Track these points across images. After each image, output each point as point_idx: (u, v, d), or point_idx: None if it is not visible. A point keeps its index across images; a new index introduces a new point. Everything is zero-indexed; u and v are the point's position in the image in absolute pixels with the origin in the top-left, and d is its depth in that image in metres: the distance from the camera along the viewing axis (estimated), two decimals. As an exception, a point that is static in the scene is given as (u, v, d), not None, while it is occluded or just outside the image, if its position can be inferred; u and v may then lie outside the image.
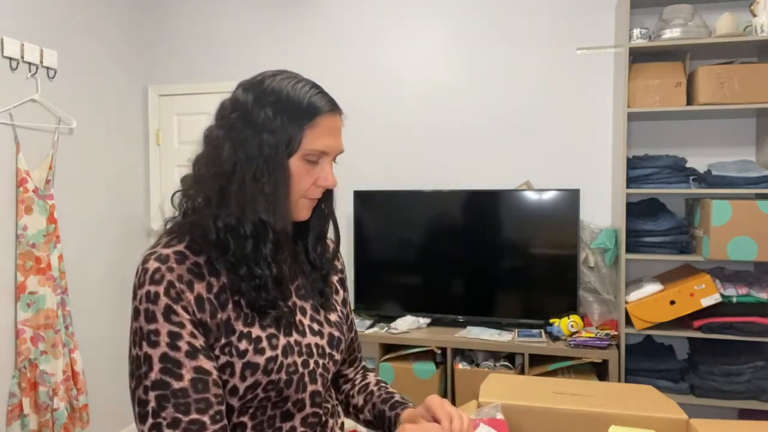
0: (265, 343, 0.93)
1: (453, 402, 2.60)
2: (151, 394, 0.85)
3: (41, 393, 2.61)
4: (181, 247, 0.92)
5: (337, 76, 3.35)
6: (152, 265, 0.89)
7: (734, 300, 2.54)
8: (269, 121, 0.91)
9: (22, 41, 2.70)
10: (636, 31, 2.66)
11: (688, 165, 2.72)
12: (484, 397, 1.42)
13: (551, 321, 2.78)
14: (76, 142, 3.03)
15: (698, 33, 2.62)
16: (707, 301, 2.53)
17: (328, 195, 1.06)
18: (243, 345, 0.91)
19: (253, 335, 0.93)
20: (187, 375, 0.86)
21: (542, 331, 2.82)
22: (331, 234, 1.14)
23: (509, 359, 2.84)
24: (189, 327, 0.88)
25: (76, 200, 3.03)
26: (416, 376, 2.78)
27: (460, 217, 3.06)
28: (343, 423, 1.15)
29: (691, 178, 2.72)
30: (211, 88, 3.44)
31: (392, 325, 2.96)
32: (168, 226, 0.98)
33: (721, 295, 2.53)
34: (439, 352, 2.84)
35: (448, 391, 2.79)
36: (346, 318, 1.17)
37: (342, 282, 1.20)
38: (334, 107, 0.98)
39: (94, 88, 3.18)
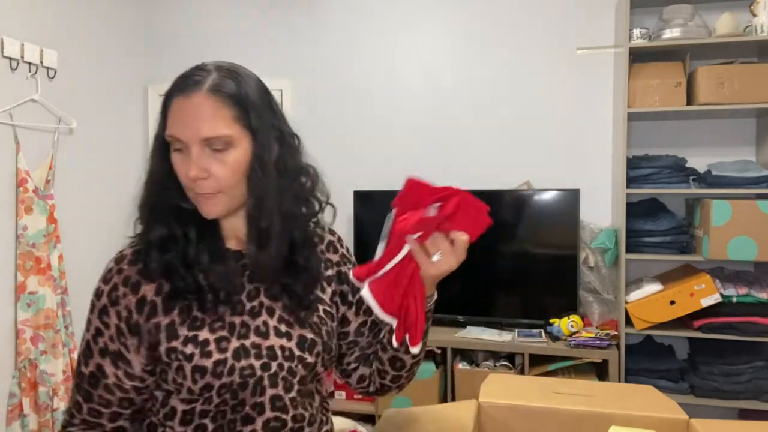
0: (212, 347, 0.93)
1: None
2: (78, 370, 0.99)
3: (41, 393, 2.61)
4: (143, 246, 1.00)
5: (337, 76, 3.35)
6: (110, 264, 1.00)
7: (734, 300, 2.54)
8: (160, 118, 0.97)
9: (22, 41, 2.69)
10: (636, 31, 2.66)
11: (688, 165, 2.72)
12: (484, 398, 1.42)
13: (551, 321, 2.78)
14: (76, 142, 3.03)
15: (698, 33, 2.62)
16: (707, 301, 2.52)
17: (257, 198, 0.95)
18: (189, 349, 0.93)
19: (200, 338, 0.93)
20: (90, 367, 0.96)
21: (542, 331, 2.82)
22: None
23: (509, 359, 2.84)
24: (112, 330, 0.95)
25: (76, 200, 3.03)
26: (416, 376, 2.78)
27: (460, 217, 3.05)
28: (330, 431, 1.12)
29: (691, 178, 2.72)
30: (211, 88, 3.42)
31: (392, 325, 2.96)
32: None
33: (721, 295, 2.53)
34: (439, 352, 2.83)
35: (448, 392, 2.79)
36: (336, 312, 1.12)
37: (339, 275, 1.16)
38: (183, 88, 0.90)
39: (94, 88, 3.18)
